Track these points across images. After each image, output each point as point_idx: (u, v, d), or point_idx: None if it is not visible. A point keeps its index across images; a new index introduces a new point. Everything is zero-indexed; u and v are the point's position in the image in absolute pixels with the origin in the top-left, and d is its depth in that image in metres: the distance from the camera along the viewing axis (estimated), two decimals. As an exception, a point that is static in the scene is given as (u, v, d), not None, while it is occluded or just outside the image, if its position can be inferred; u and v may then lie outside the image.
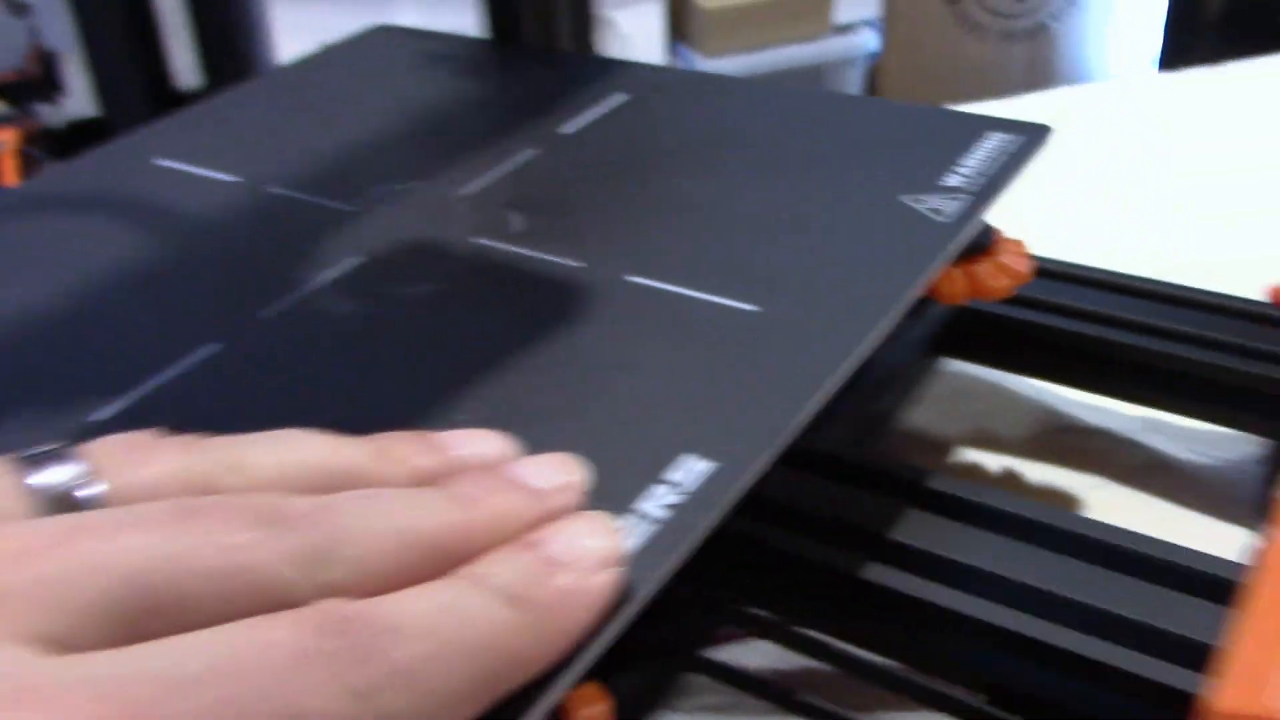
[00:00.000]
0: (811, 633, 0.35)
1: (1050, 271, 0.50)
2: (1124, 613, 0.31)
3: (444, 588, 0.22)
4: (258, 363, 0.33)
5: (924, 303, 0.51)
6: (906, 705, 0.40)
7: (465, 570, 0.22)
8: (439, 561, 0.22)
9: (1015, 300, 0.49)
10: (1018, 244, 0.44)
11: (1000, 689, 0.32)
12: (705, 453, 0.28)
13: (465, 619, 0.21)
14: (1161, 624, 0.31)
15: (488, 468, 0.25)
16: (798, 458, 0.37)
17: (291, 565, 0.21)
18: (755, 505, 0.31)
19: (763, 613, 0.35)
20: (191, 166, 0.45)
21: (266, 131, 0.48)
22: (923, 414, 0.55)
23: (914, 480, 0.36)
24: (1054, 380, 0.51)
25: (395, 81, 0.52)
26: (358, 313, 0.35)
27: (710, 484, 0.27)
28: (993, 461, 0.53)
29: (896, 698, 0.38)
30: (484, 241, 0.39)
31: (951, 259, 0.39)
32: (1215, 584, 0.32)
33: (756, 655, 0.43)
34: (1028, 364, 0.50)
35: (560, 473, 0.25)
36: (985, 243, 0.43)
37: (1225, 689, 0.28)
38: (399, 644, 0.20)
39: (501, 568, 0.22)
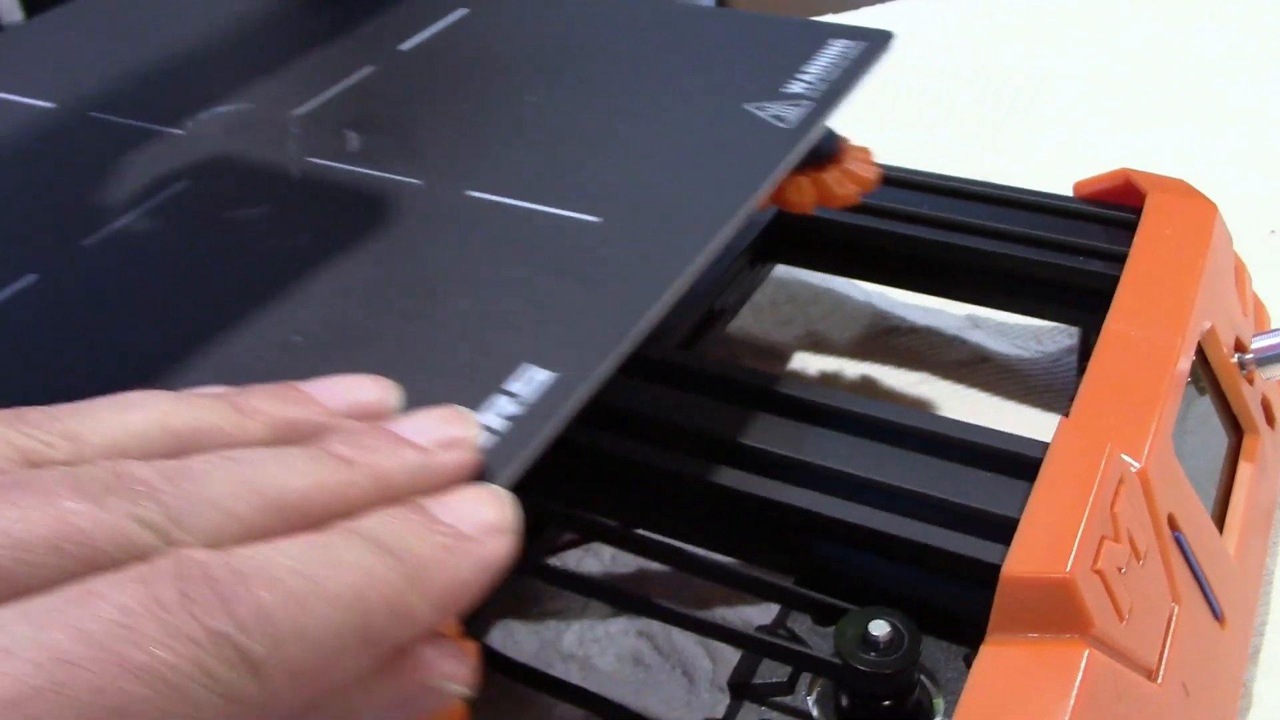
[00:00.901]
0: (651, 535, 0.36)
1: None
2: (939, 494, 0.34)
3: (314, 536, 0.20)
4: (78, 293, 0.32)
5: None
6: (744, 600, 0.43)
7: (340, 524, 0.21)
8: (310, 527, 0.21)
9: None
10: (865, 151, 0.46)
11: (825, 573, 0.34)
12: (546, 363, 0.28)
13: (335, 564, 0.20)
14: (973, 503, 0.33)
15: (367, 421, 0.24)
16: (634, 365, 0.39)
17: (139, 530, 0.19)
18: (593, 412, 0.31)
19: (603, 519, 0.37)
20: (5, 94, 0.43)
21: (86, 56, 0.47)
22: (756, 320, 0.57)
23: (747, 382, 0.37)
24: (881, 282, 0.53)
25: (226, 1, 0.51)
26: (185, 238, 0.35)
27: (550, 394, 0.27)
28: (824, 364, 0.55)
29: (734, 593, 0.40)
30: (319, 162, 0.38)
31: (795, 166, 0.40)
32: (1019, 462, 0.34)
33: (598, 561, 0.45)
34: (855, 268, 0.52)
35: (450, 427, 0.24)
36: (833, 151, 0.44)
37: (1019, 557, 0.31)
38: (260, 586, 0.19)
39: (379, 521, 0.21)
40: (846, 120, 0.42)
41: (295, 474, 0.21)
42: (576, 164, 0.38)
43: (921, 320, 0.56)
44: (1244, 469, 0.42)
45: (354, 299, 0.32)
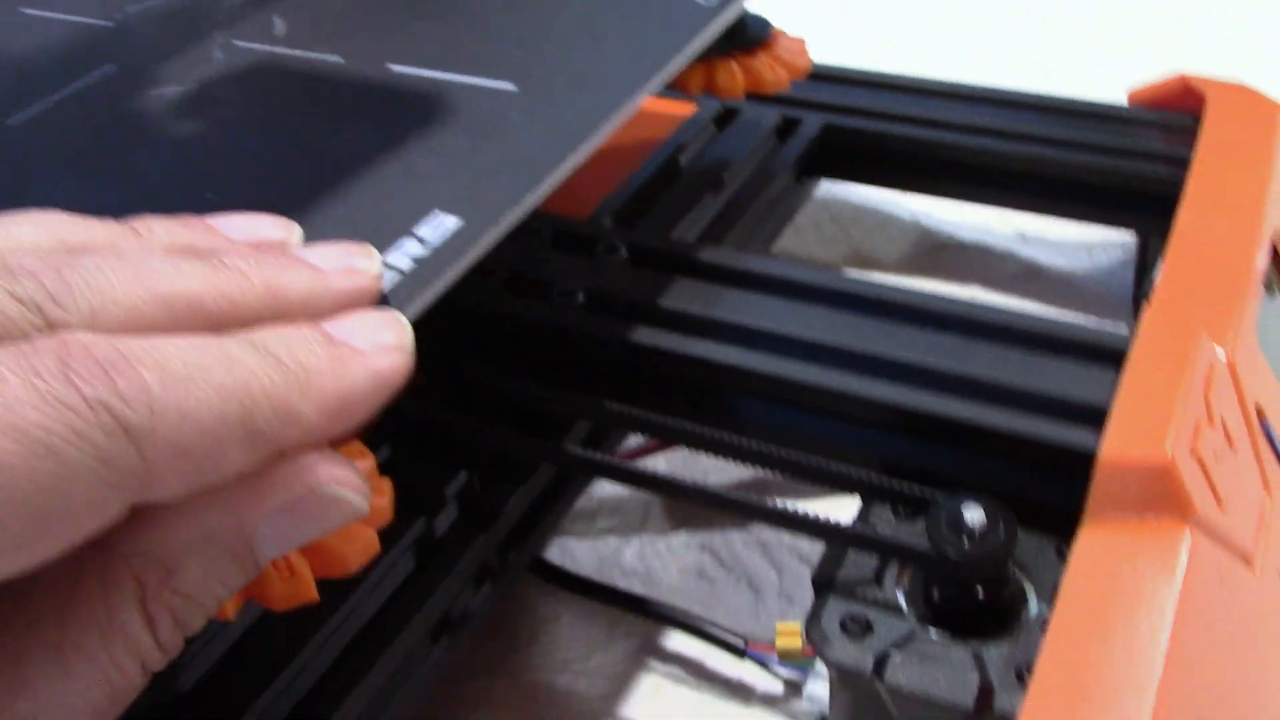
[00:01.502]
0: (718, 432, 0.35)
1: (916, 88, 0.51)
2: (1025, 383, 0.32)
3: (204, 335, 0.20)
4: (3, 171, 0.32)
5: (791, 124, 0.51)
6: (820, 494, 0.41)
7: (234, 331, 0.21)
8: (202, 329, 0.21)
9: (886, 115, 0.50)
10: (797, 41, 0.45)
11: (907, 469, 0.33)
12: (454, 210, 0.29)
13: (222, 358, 0.20)
14: (1062, 391, 0.32)
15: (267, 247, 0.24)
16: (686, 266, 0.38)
17: (18, 309, 0.19)
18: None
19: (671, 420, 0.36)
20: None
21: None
22: (798, 241, 0.56)
23: (811, 281, 0.37)
24: (932, 193, 0.51)
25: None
26: (112, 119, 0.34)
27: (455, 238, 0.28)
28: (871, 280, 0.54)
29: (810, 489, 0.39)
30: (246, 45, 0.38)
31: (724, 50, 0.40)
32: (1101, 351, 0.33)
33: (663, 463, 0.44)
34: (906, 179, 0.51)
35: (350, 257, 0.24)
36: (763, 37, 0.43)
37: (1117, 440, 0.30)
38: (143, 365, 0.19)
39: (271, 329, 0.21)
40: (893, 37, 0.41)
41: (189, 277, 0.21)
42: (495, 37, 0.38)
43: (969, 236, 0.55)
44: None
45: (272, 163, 0.32)
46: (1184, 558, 0.28)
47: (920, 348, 0.34)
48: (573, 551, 0.41)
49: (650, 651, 0.38)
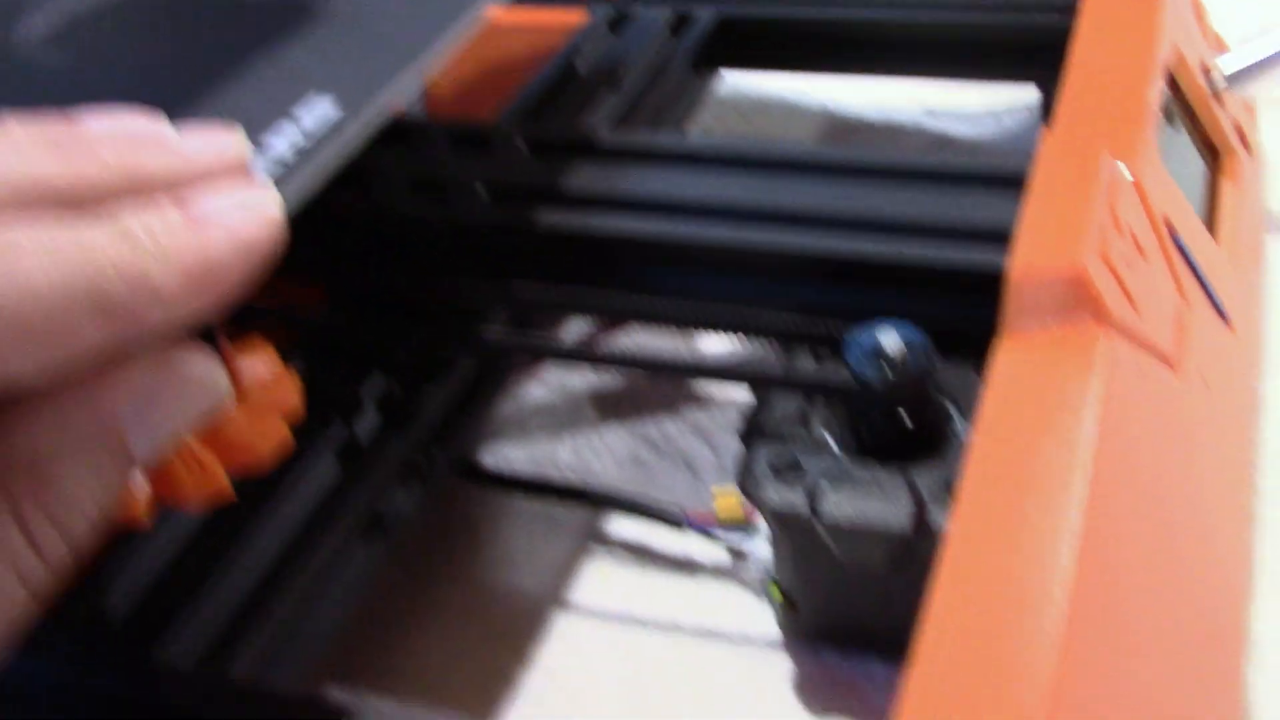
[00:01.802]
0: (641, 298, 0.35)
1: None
2: (929, 216, 0.32)
3: (50, 211, 0.20)
4: None
5: (685, 20, 0.51)
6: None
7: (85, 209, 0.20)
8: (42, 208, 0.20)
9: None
10: None
11: (823, 312, 0.33)
12: (329, 92, 0.29)
13: (66, 230, 0.19)
14: (968, 217, 0.32)
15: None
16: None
17: None
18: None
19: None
20: None
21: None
22: (708, 129, 0.55)
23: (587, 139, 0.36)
24: (831, 71, 0.51)
25: None
26: None
27: (330, 121, 0.28)
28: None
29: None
30: None
31: None
32: (1003, 179, 0.33)
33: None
34: (802, 60, 0.50)
35: (211, 135, 0.23)
36: None
37: (1027, 250, 0.29)
38: None
39: (127, 204, 0.21)
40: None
41: (38, 161, 0.20)
42: None
43: (876, 116, 0.55)
44: (1226, 187, 0.41)
45: (139, 78, 0.31)
46: (1102, 358, 0.28)
47: (824, 197, 0.34)
48: (508, 457, 0.41)
49: (593, 539, 0.38)
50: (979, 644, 0.23)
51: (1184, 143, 0.42)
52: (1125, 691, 0.25)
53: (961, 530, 0.25)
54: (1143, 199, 0.34)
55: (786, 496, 0.29)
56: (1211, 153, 0.42)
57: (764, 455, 0.30)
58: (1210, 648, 0.31)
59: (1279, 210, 0.45)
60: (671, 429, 0.41)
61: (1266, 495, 0.35)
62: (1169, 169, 0.38)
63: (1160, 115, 0.39)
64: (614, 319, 0.34)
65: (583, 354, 0.33)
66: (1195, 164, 0.42)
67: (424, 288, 0.35)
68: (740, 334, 0.32)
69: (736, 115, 0.56)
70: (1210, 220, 0.40)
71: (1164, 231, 0.34)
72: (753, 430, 0.31)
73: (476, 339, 0.34)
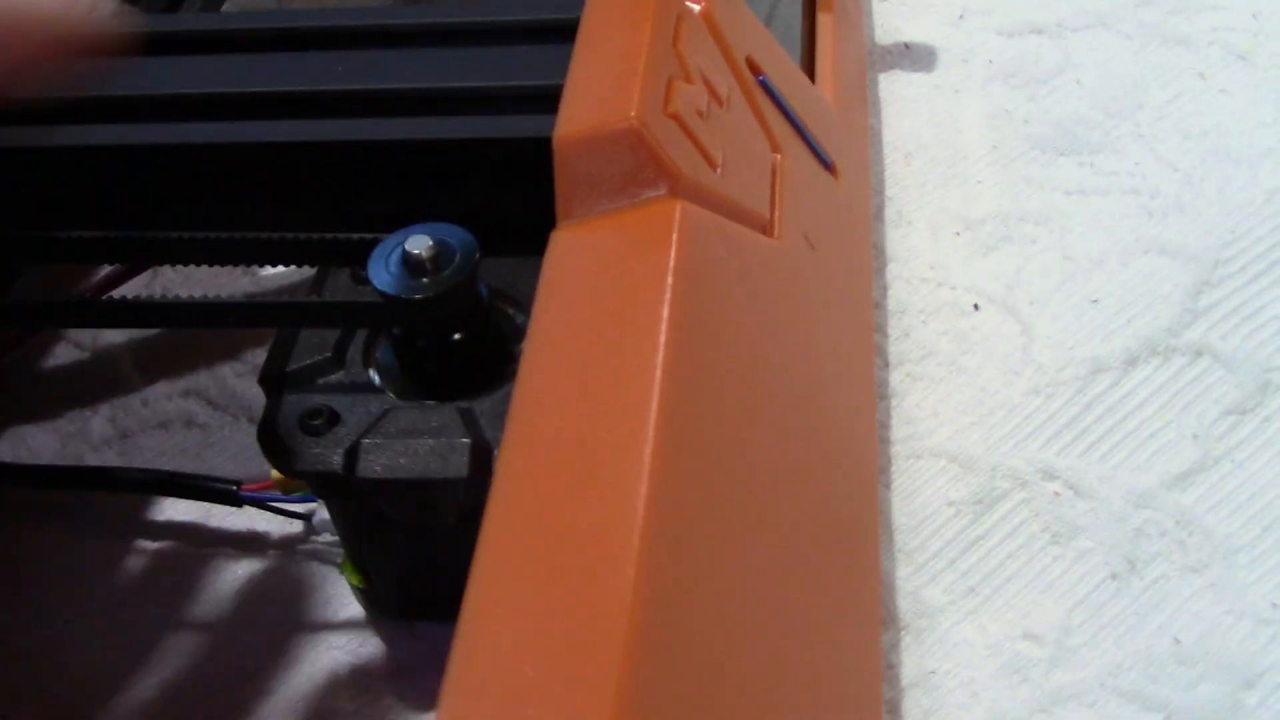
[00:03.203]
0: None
1: None
2: (457, 82, 0.26)
3: None
4: None
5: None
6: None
7: None
8: None
9: None
10: None
11: (355, 222, 0.27)
12: None
13: None
14: (510, 80, 0.26)
15: None
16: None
17: None
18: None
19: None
20: None
21: None
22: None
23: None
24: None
25: None
26: None
27: None
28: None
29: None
30: None
31: None
32: (555, 29, 0.27)
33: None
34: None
35: None
36: None
37: (572, 116, 0.24)
38: None
39: None
40: None
41: None
42: None
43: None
44: (823, 20, 0.37)
45: None
46: (675, 230, 0.23)
47: (333, 74, 0.27)
48: (27, 440, 0.33)
49: (139, 534, 0.31)
50: (538, 613, 0.18)
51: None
52: (745, 611, 0.21)
53: (509, 460, 0.20)
54: (716, 35, 0.29)
55: (317, 454, 0.23)
56: (806, -9, 0.38)
57: (292, 406, 0.24)
58: (845, 534, 0.27)
59: (883, 41, 0.42)
60: (229, 375, 0.34)
61: (891, 358, 0.32)
62: (755, 7, 0.34)
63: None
64: (84, 260, 0.27)
65: (56, 313, 0.26)
66: (790, 6, 0.37)
67: None
68: (256, 263, 0.25)
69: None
70: (808, 58, 0.36)
71: (746, 73, 0.29)
72: (273, 375, 0.25)
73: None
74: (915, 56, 0.41)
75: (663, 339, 0.21)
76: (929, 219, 0.35)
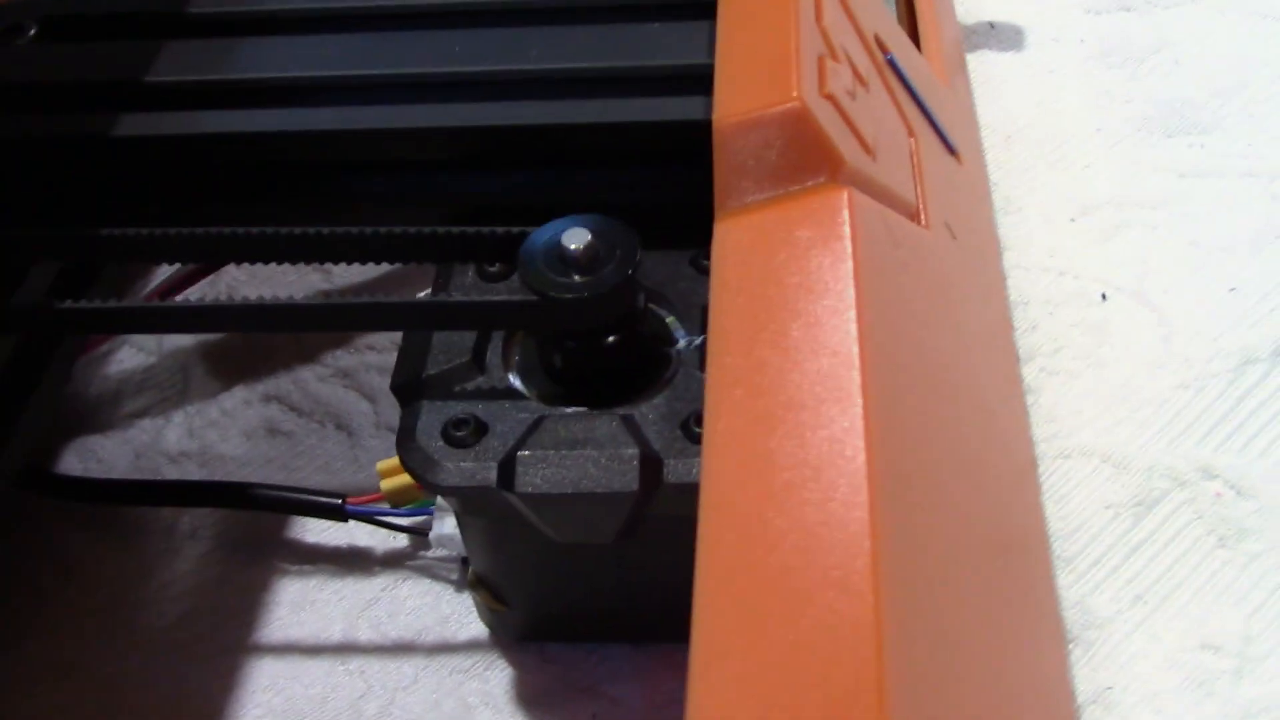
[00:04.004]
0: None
1: None
2: (599, 62, 0.25)
3: None
4: None
5: None
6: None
7: None
8: None
9: None
10: None
11: (485, 214, 0.25)
12: None
13: None
14: (652, 60, 0.25)
15: None
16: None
17: None
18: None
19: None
20: None
21: None
22: None
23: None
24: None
25: None
26: None
27: None
28: None
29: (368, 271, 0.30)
30: None
31: None
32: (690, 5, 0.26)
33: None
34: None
35: None
36: None
37: (730, 97, 0.22)
38: None
39: None
40: None
41: None
42: None
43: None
44: (922, -4, 0.35)
45: None
46: (846, 221, 0.21)
47: (464, 54, 0.25)
48: (96, 451, 0.31)
49: (235, 551, 0.29)
50: (780, 609, 0.16)
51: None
52: (957, 628, 0.19)
53: (717, 472, 0.18)
54: (849, 13, 0.27)
55: (467, 469, 0.21)
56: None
57: (431, 415, 0.22)
58: (1020, 541, 0.25)
59: (966, 21, 0.40)
60: (311, 379, 0.32)
61: (1022, 352, 0.30)
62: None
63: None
64: (201, 259, 0.25)
65: (159, 318, 0.24)
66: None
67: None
68: (379, 260, 0.23)
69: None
70: (911, 31, 0.34)
71: (877, 52, 0.28)
72: (408, 382, 0.23)
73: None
74: (1002, 36, 0.39)
75: (856, 342, 0.19)
76: (1039, 205, 0.34)
